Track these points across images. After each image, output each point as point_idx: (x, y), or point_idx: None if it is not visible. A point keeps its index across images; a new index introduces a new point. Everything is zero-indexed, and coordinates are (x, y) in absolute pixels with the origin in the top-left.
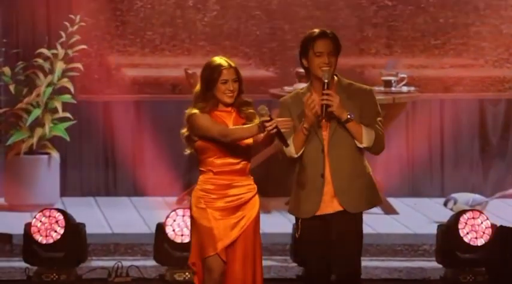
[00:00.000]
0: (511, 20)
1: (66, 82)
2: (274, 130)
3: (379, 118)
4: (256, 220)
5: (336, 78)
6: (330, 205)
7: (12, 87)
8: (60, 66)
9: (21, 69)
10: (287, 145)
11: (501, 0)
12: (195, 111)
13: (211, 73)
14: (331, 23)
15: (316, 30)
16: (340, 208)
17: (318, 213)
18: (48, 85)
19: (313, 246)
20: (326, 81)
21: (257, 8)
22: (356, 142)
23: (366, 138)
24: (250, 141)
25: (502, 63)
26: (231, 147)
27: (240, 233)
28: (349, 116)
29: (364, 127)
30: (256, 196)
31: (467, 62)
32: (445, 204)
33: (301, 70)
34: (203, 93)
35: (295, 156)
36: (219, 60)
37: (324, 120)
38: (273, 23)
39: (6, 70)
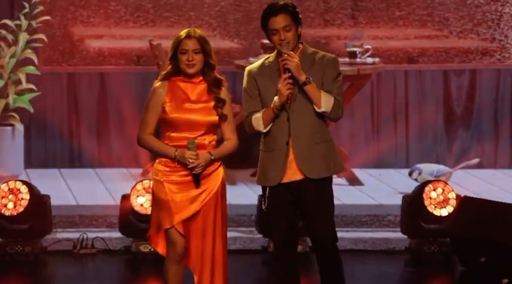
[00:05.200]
0: None
1: (29, 54)
2: (195, 170)
3: (338, 84)
4: (219, 193)
5: (301, 46)
6: (297, 173)
7: None
8: (23, 37)
9: None
10: (198, 187)
11: None
12: (157, 84)
13: (173, 43)
14: None
15: (270, 6)
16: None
17: (285, 181)
18: (12, 56)
19: (281, 214)
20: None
21: None
22: (314, 106)
23: (324, 103)
24: (214, 118)
25: (466, 33)
26: (188, 121)
27: (201, 207)
28: (307, 79)
29: (323, 92)
30: (220, 169)
31: (432, 33)
32: (410, 174)
33: (266, 41)
34: (169, 61)
35: (264, 131)
36: (184, 30)
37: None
38: None
39: None
